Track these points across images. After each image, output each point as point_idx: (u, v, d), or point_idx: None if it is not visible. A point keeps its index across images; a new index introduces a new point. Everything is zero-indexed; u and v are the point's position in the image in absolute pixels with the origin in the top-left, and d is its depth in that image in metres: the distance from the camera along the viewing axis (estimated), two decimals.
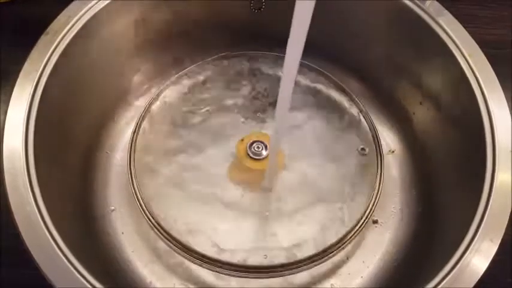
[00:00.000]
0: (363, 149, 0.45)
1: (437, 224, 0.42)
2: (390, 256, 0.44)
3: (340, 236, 0.40)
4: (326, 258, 0.39)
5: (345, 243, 0.40)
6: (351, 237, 0.40)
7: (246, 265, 0.39)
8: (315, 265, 0.39)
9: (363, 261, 0.44)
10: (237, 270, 0.39)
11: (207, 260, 0.38)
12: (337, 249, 0.39)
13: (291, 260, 0.39)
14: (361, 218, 0.41)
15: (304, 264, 0.39)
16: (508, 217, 0.34)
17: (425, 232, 0.43)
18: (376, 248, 0.44)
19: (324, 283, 0.43)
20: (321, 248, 0.39)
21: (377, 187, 0.42)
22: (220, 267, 0.38)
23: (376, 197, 0.42)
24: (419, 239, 0.44)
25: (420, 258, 0.41)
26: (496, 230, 0.34)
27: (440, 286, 0.32)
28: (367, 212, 0.41)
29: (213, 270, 0.39)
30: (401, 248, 0.44)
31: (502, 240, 0.33)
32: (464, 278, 0.32)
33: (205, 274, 0.43)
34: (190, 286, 0.42)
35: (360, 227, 0.40)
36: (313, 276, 0.43)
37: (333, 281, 0.43)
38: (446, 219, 0.41)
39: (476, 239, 0.34)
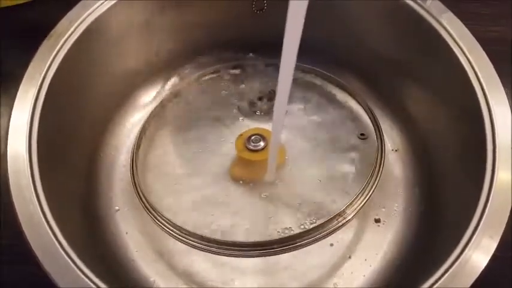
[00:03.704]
0: (362, 134, 0.45)
1: (439, 222, 0.42)
2: (392, 255, 0.44)
3: (338, 211, 0.39)
4: (324, 235, 0.39)
5: (344, 218, 0.39)
6: (350, 213, 0.39)
7: (248, 243, 0.39)
8: (311, 243, 0.38)
9: (365, 260, 0.44)
10: (241, 250, 0.38)
11: (215, 245, 0.38)
12: (337, 223, 0.39)
13: (288, 235, 0.39)
14: (361, 197, 0.40)
15: (301, 240, 0.38)
16: (508, 214, 0.34)
17: (427, 231, 0.43)
18: (379, 247, 0.44)
19: (327, 283, 0.43)
20: (319, 223, 0.39)
21: (377, 167, 0.42)
22: (224, 248, 0.38)
23: (376, 177, 0.41)
24: (422, 237, 0.43)
25: (422, 256, 0.41)
26: (495, 227, 0.34)
27: (440, 282, 0.32)
28: (367, 191, 0.41)
29: (217, 253, 0.38)
30: (403, 246, 0.44)
31: (502, 237, 0.33)
32: (464, 274, 0.32)
33: (208, 273, 0.43)
34: (194, 286, 0.42)
35: (359, 206, 0.40)
36: (315, 276, 0.43)
37: (335, 280, 0.43)
38: (448, 218, 0.41)
39: (475, 235, 0.33)
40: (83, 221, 0.42)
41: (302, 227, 0.40)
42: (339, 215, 0.39)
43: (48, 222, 0.34)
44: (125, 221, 0.45)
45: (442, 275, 0.32)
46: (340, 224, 0.39)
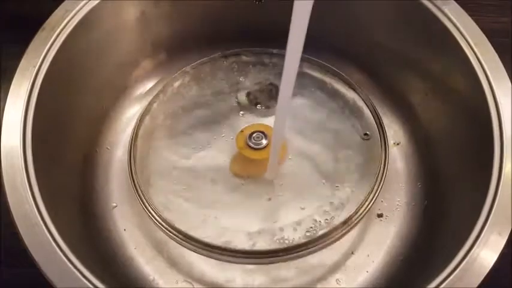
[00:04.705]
0: (365, 134, 0.44)
1: (443, 217, 0.42)
2: (396, 250, 0.43)
3: (343, 219, 0.39)
4: (329, 242, 0.38)
5: (349, 225, 0.39)
6: (355, 220, 0.39)
7: (249, 251, 0.38)
8: (317, 250, 0.38)
9: (368, 256, 0.43)
10: (240, 257, 0.38)
11: (210, 248, 0.38)
12: (341, 232, 0.38)
13: (293, 245, 0.38)
14: (366, 201, 0.39)
15: (307, 249, 0.38)
16: None
17: (431, 226, 0.43)
18: (381, 242, 0.44)
19: (329, 279, 0.42)
20: (324, 232, 0.38)
21: (381, 169, 0.41)
22: (223, 254, 0.38)
23: (380, 180, 0.40)
24: (425, 232, 0.43)
25: (426, 252, 0.41)
26: (504, 223, 0.33)
27: (448, 280, 0.32)
28: (372, 195, 0.40)
29: (216, 258, 0.38)
30: (407, 241, 0.44)
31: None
32: (472, 271, 0.32)
33: (208, 270, 0.42)
34: (193, 282, 0.42)
35: (364, 210, 0.39)
36: (317, 272, 0.42)
37: (338, 276, 0.43)
38: (452, 213, 0.41)
39: (484, 232, 0.33)
40: (79, 218, 0.41)
41: (308, 233, 0.39)
42: (344, 222, 0.38)
43: (44, 220, 0.33)
44: (123, 217, 0.44)
45: (451, 273, 0.32)
46: (345, 230, 0.38)
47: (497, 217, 0.33)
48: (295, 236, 0.39)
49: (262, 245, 0.39)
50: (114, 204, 0.45)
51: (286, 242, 0.39)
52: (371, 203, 0.39)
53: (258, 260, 0.38)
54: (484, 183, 0.35)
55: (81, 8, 0.41)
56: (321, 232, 0.38)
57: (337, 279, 0.42)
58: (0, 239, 0.41)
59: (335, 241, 0.38)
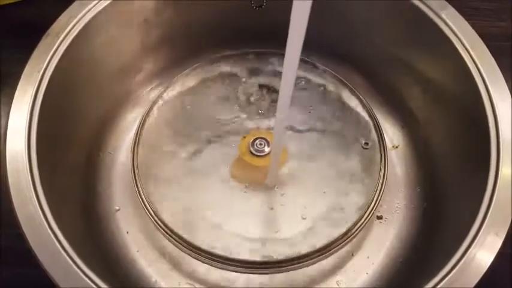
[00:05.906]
0: (366, 143, 0.44)
1: (441, 219, 0.42)
2: (395, 252, 0.44)
3: (344, 230, 0.39)
4: (330, 252, 0.39)
5: (349, 237, 0.39)
6: (355, 231, 0.40)
7: (250, 261, 0.39)
8: (319, 260, 0.39)
9: (368, 257, 0.44)
10: (242, 266, 0.39)
11: (211, 257, 0.38)
12: (342, 243, 0.39)
13: (295, 255, 0.38)
14: (366, 212, 0.40)
15: (308, 259, 0.38)
16: None
17: (430, 227, 0.43)
18: (381, 244, 0.44)
19: (330, 281, 0.43)
20: (325, 243, 0.39)
21: (381, 180, 0.42)
22: (225, 263, 0.38)
23: (380, 190, 0.41)
24: (424, 234, 0.43)
25: (425, 253, 0.41)
26: (501, 223, 0.33)
27: (445, 280, 0.32)
28: (372, 205, 0.40)
29: (218, 267, 0.39)
30: (406, 243, 0.44)
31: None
32: (469, 271, 0.32)
33: (210, 272, 0.43)
34: (195, 285, 0.42)
35: (364, 221, 0.40)
36: (318, 274, 0.43)
37: (338, 277, 0.43)
38: (450, 214, 0.41)
39: (481, 233, 0.33)
40: (82, 220, 0.42)
41: (310, 243, 0.39)
42: (345, 233, 0.39)
43: (48, 222, 0.34)
44: (126, 220, 0.45)
45: (447, 273, 0.32)
46: (346, 241, 0.39)
47: (495, 218, 0.34)
48: (297, 247, 0.39)
49: (264, 255, 0.39)
50: (117, 207, 0.46)
51: (288, 252, 0.39)
52: (370, 214, 0.40)
53: (261, 271, 0.39)
54: (481, 185, 0.36)
55: (84, 15, 0.42)
56: (322, 243, 0.39)
57: (337, 281, 0.42)
58: (2, 239, 0.42)
59: (336, 251, 0.39)
